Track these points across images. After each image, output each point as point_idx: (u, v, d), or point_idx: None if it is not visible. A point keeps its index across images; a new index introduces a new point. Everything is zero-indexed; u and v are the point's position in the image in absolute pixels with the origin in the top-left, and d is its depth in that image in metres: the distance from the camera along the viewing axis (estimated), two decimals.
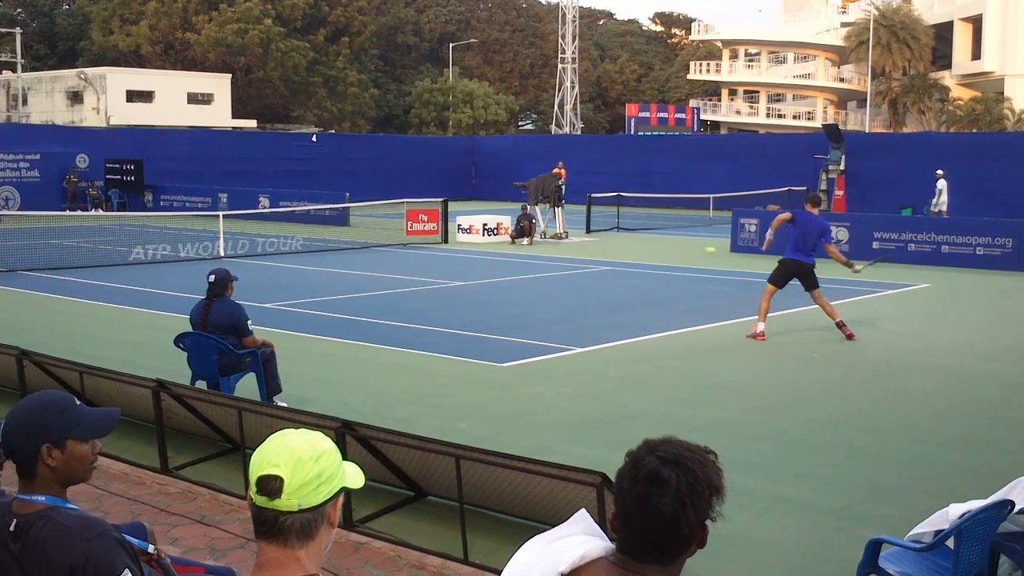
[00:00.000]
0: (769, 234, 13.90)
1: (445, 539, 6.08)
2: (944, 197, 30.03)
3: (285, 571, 2.23)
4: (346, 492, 2.35)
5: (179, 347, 9.15)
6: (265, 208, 32.25)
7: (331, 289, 17.68)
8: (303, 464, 2.21)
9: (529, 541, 2.37)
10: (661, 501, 2.14)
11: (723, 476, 2.22)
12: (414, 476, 6.74)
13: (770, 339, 13.09)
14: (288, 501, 2.20)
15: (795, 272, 13.19)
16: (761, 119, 76.60)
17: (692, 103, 77.47)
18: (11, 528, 3.06)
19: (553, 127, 75.51)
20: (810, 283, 13.20)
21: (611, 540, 2.31)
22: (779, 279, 13.28)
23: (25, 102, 58.51)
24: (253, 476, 2.22)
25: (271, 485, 2.19)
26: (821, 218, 13.56)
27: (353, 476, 2.35)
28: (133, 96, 57.75)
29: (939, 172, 30.46)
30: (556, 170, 34.36)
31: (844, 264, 13.59)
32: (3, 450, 3.07)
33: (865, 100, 65.68)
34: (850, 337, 13.02)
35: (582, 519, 2.39)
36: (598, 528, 2.37)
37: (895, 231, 23.08)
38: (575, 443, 8.24)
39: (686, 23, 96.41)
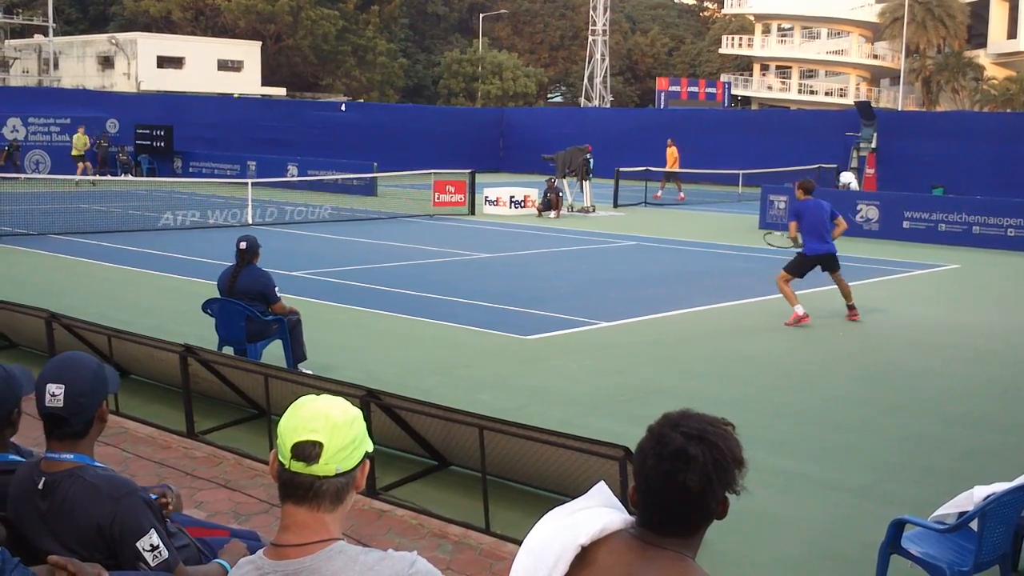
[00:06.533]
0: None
1: (467, 509, 6.11)
2: (843, 179, 30.18)
3: (311, 534, 2.27)
4: (370, 458, 2.38)
5: (207, 313, 9.23)
6: (293, 176, 32.31)
7: (358, 259, 17.72)
8: (339, 429, 2.25)
9: (550, 512, 2.38)
10: (688, 477, 2.15)
11: (743, 448, 2.23)
12: (437, 446, 6.77)
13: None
14: (326, 466, 2.23)
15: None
16: (793, 95, 75.90)
17: (723, 78, 76.88)
18: (40, 486, 3.10)
19: (582, 100, 75.11)
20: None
21: (630, 513, 2.32)
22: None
23: (56, 66, 58.78)
24: (287, 442, 2.24)
25: (310, 451, 2.22)
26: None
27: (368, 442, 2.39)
28: (163, 62, 57.94)
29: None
30: (670, 147, 34.18)
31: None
32: (64, 413, 3.10)
33: (898, 78, 64.89)
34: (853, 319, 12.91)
35: (600, 492, 2.40)
36: (616, 501, 2.38)
37: (926, 211, 22.83)
38: (598, 416, 8.25)
39: None
